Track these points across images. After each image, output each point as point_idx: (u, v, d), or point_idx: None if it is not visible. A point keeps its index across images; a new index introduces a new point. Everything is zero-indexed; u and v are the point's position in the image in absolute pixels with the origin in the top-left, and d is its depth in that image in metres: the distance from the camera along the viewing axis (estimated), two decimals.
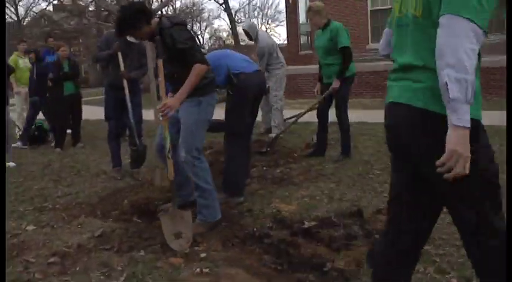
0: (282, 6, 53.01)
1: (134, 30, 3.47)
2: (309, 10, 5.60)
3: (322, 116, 5.65)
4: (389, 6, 15.98)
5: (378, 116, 8.54)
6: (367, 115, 8.46)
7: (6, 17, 41.56)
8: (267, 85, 5.07)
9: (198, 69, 3.36)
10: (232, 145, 4.27)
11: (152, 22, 3.47)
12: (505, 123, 2.23)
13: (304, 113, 6.10)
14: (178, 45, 3.35)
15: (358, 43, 15.12)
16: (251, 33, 7.26)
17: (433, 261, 2.84)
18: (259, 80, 4.35)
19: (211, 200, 3.55)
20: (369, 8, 16.33)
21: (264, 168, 5.24)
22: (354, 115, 5.70)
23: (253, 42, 7.46)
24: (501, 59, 8.49)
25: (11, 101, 6.97)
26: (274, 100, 7.09)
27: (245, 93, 4.20)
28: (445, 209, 1.83)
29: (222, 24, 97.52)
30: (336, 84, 5.30)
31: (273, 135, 6.58)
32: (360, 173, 4.88)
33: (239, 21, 45.07)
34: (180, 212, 3.47)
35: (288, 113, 7.52)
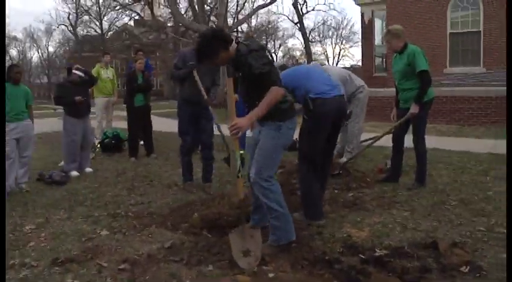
0: (357, 27, 52.72)
1: (212, 58, 3.47)
2: (388, 33, 5.45)
3: (398, 141, 5.47)
4: (470, 30, 15.46)
5: (453, 143, 8.29)
6: (442, 142, 8.15)
7: (91, 30, 44.20)
8: (349, 110, 4.96)
9: (275, 92, 3.30)
10: (302, 169, 4.19)
11: (230, 48, 3.44)
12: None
13: (380, 137, 5.93)
14: (255, 71, 3.30)
15: (436, 67, 14.71)
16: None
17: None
18: (338, 106, 4.13)
19: (284, 221, 3.47)
20: (448, 31, 15.84)
21: (336, 191, 5.13)
22: (429, 141, 5.45)
23: None
24: None
25: (92, 109, 7.33)
26: (352, 125, 6.88)
27: (320, 119, 4.06)
28: None
29: (296, 43, 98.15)
30: (414, 109, 5.12)
31: (344, 159, 6.44)
32: (435, 202, 4.67)
33: (313, 40, 45.30)
34: (250, 230, 3.46)
35: (362, 137, 7.36)
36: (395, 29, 5.37)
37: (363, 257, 3.31)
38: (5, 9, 5.52)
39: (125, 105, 8.30)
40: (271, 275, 3.10)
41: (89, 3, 43.49)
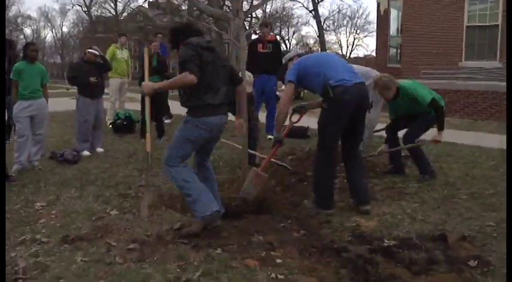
0: (372, 17, 52.33)
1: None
2: (376, 86, 5.29)
3: (391, 133, 5.54)
4: (488, 23, 15.25)
5: (467, 137, 8.23)
6: (456, 136, 8.08)
7: (106, 12, 44.15)
8: (371, 100, 4.91)
9: (182, 75, 3.49)
10: (320, 159, 4.19)
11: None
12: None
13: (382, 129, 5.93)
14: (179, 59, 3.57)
15: (451, 60, 14.55)
16: None
17: None
18: (359, 94, 4.04)
19: (196, 194, 3.60)
20: (465, 24, 15.62)
21: (345, 180, 5.11)
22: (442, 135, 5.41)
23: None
24: None
25: (105, 90, 7.36)
26: (368, 118, 6.86)
27: (340, 108, 4.00)
28: None
29: (310, 31, 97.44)
30: (439, 137, 5.24)
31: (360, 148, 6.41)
32: (445, 195, 4.65)
33: (327, 29, 44.96)
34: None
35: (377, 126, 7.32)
36: (383, 82, 5.19)
37: (371, 247, 3.32)
38: (5, 9, 5.53)
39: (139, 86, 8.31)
40: (278, 260, 3.12)
41: None
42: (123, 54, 9.67)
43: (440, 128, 5.18)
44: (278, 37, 35.87)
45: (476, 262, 3.05)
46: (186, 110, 3.69)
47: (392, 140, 5.54)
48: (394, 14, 19.54)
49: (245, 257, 3.17)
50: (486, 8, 15.47)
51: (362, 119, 4.23)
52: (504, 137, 8.50)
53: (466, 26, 15.70)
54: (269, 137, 7.45)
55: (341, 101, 3.96)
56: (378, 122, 7.02)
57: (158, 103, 8.20)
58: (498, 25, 15.13)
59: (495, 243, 3.41)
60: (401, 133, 5.52)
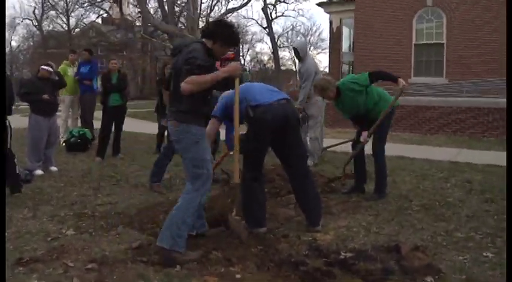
0: (326, 34, 53.44)
1: None
2: (315, 90, 5.34)
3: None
4: (435, 41, 15.92)
5: (417, 151, 8.53)
6: (406, 150, 8.38)
7: (58, 26, 43.30)
8: (305, 114, 4.98)
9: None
10: (246, 177, 4.02)
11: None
12: None
13: (338, 144, 6.06)
14: None
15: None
16: (301, 52, 7.12)
17: None
18: (283, 110, 3.98)
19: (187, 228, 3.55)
20: (413, 42, 16.27)
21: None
22: (393, 149, 5.59)
23: (299, 62, 7.29)
24: None
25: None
26: (312, 129, 7.01)
27: (261, 126, 3.93)
28: None
29: (264, 47, 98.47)
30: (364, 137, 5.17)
31: (310, 162, 6.50)
32: (398, 207, 4.81)
33: (281, 45, 45.61)
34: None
35: (325, 142, 7.50)
36: (320, 85, 5.21)
37: (328, 259, 3.40)
38: (5, 9, 5.39)
39: (101, 104, 8.20)
40: (238, 276, 3.15)
41: None
42: (73, 71, 9.52)
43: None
44: None
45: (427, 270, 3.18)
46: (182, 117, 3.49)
47: (359, 155, 5.44)
48: (346, 32, 20.15)
49: (204, 273, 3.17)
50: (432, 26, 16.19)
51: (293, 136, 4.11)
52: (452, 150, 8.90)
53: (415, 44, 16.36)
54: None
55: (262, 119, 3.90)
56: (322, 132, 7.19)
57: (118, 121, 8.10)
58: (443, 43, 15.83)
59: (445, 252, 3.57)
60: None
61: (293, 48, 7.31)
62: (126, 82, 8.39)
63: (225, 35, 3.59)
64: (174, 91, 3.56)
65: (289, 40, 47.92)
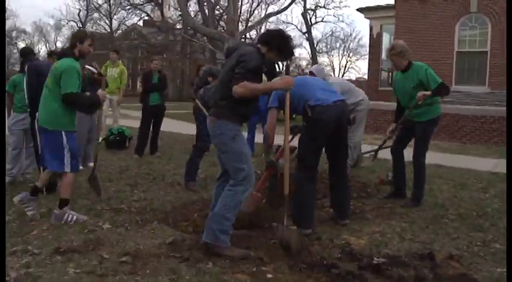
0: (365, 40, 52.89)
1: None
2: (391, 50, 5.15)
3: (397, 154, 5.34)
4: (477, 49, 15.55)
5: (455, 160, 8.34)
6: (444, 158, 8.20)
7: (101, 28, 44.38)
8: (352, 116, 4.97)
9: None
10: (300, 177, 4.18)
11: None
12: None
13: (377, 149, 5.96)
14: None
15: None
16: (318, 76, 6.93)
17: None
18: (338, 112, 4.15)
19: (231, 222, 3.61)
20: (455, 50, 15.92)
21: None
22: (431, 157, 5.47)
23: None
24: None
25: None
26: (351, 136, 6.87)
27: (319, 127, 4.10)
28: None
29: (303, 52, 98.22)
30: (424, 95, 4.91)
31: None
32: (433, 216, 4.72)
33: (320, 51, 45.45)
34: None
35: (363, 149, 7.42)
36: (399, 46, 5.10)
37: (361, 264, 3.36)
38: (5, 9, 5.58)
39: (141, 103, 8.37)
40: (269, 275, 3.16)
41: (100, 1, 43.75)
42: (113, 71, 9.73)
43: (431, 93, 4.93)
44: None
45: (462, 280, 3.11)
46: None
47: (399, 161, 5.36)
48: (386, 39, 19.87)
49: (236, 271, 3.20)
50: (476, 34, 15.80)
51: (342, 137, 4.29)
52: (492, 161, 8.66)
53: (457, 52, 16.00)
54: None
55: (319, 120, 4.07)
56: (361, 143, 7.08)
57: (157, 120, 8.25)
58: (487, 51, 15.42)
59: (482, 262, 3.48)
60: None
61: (309, 71, 6.98)
62: (166, 82, 8.54)
63: (282, 45, 3.68)
64: (220, 88, 3.65)
65: (328, 46, 47.75)
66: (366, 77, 23.01)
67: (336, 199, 4.47)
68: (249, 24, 35.38)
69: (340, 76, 48.44)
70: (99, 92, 4.65)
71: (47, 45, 59.12)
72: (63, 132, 4.27)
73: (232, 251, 3.49)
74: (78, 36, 4.47)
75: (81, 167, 6.70)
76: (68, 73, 4.23)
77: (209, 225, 3.54)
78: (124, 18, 44.24)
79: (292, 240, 3.53)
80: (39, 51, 55.63)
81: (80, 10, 46.20)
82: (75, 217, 4.27)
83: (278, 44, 3.65)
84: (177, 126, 13.36)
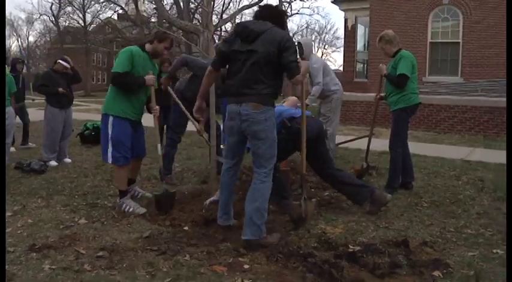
0: (340, 32, 53.28)
1: None
2: (381, 39, 5.45)
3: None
4: (450, 40, 15.80)
5: (429, 149, 8.47)
6: (418, 147, 8.32)
7: (75, 22, 43.69)
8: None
9: None
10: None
11: None
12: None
13: (352, 139, 6.04)
14: None
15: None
16: (305, 50, 6.94)
17: None
18: (317, 125, 4.47)
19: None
20: (429, 40, 16.16)
21: (312, 189, 5.23)
22: None
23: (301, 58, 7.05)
24: None
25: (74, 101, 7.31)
26: (328, 125, 6.93)
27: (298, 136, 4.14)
28: None
29: None
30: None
31: None
32: (408, 203, 4.81)
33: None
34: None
35: (337, 139, 7.47)
36: (388, 35, 5.41)
37: (336, 252, 3.42)
38: (5, 9, 5.48)
39: None
40: (246, 266, 3.18)
41: None
42: None
43: (387, 75, 5.36)
44: None
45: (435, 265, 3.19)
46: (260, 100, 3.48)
47: (405, 153, 5.46)
48: (361, 31, 20.05)
49: (213, 263, 3.21)
50: (448, 25, 16.06)
51: (320, 149, 4.52)
52: (466, 149, 8.84)
53: (430, 42, 16.24)
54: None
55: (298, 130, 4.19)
56: (335, 134, 7.14)
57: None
58: (459, 42, 15.69)
59: (455, 248, 3.56)
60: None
61: (297, 42, 6.99)
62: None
63: (285, 20, 3.68)
64: (253, 75, 3.46)
65: (303, 38, 47.86)
66: (341, 68, 23.16)
67: (345, 190, 4.61)
68: (223, 17, 35.22)
69: None
70: (148, 76, 4.54)
71: (19, 40, 57.99)
72: (110, 117, 4.47)
73: (273, 237, 3.59)
74: (158, 35, 4.63)
75: (56, 163, 6.65)
76: (120, 54, 4.47)
77: (252, 222, 3.48)
78: (98, 11, 43.66)
79: (309, 211, 3.99)
80: (11, 46, 54.57)
81: (52, 3, 45.13)
82: (131, 209, 4.37)
83: (284, 19, 3.66)
84: (151, 120, 13.22)
